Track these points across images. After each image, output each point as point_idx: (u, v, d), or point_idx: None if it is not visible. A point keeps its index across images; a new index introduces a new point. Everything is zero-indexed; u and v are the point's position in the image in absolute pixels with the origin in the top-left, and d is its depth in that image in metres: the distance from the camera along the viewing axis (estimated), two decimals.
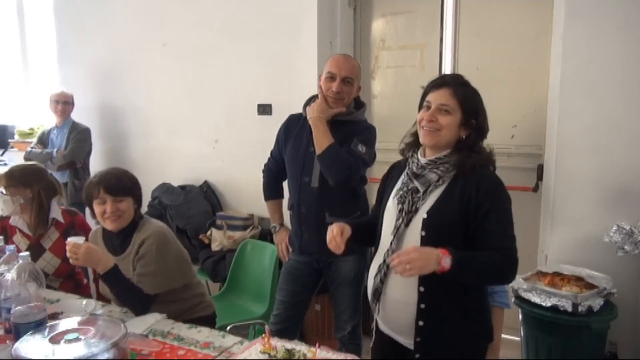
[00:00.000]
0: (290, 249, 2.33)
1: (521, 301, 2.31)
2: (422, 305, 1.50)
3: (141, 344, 1.61)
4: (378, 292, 1.58)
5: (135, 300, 1.83)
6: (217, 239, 3.20)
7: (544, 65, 2.74)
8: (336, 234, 1.59)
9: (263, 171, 2.43)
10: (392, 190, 1.64)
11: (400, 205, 1.56)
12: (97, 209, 1.91)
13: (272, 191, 2.42)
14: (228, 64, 3.44)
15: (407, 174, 1.60)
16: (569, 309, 2.15)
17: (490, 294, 1.83)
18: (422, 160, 1.57)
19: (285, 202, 2.41)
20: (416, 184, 1.55)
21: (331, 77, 2.12)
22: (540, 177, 2.81)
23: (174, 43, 3.68)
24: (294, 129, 2.25)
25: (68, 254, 1.76)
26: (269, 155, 2.41)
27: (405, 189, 1.58)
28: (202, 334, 1.68)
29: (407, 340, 1.57)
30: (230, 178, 3.54)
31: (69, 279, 2.29)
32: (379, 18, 3.25)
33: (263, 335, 1.39)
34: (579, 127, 2.49)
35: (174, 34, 3.66)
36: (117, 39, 3.94)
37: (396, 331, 1.60)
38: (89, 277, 2.45)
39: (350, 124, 2.18)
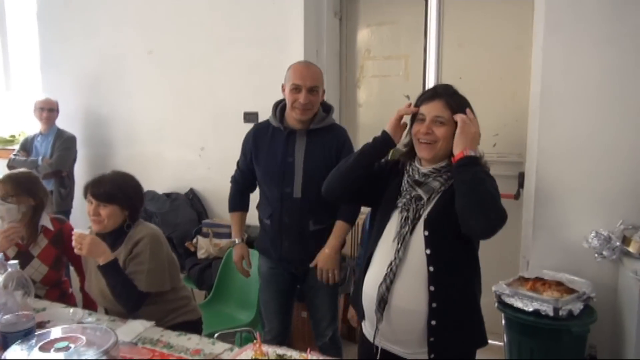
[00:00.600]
0: (258, 261, 2.35)
1: (504, 306, 2.36)
2: (434, 305, 1.50)
3: (131, 352, 1.61)
4: (384, 302, 1.55)
5: (130, 296, 1.87)
6: (203, 246, 3.20)
7: (524, 76, 2.82)
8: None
9: (231, 182, 2.41)
10: (391, 197, 1.63)
11: (405, 213, 1.57)
12: (87, 208, 1.96)
13: (237, 203, 2.38)
14: (214, 72, 3.46)
15: (408, 182, 1.61)
16: (551, 313, 2.20)
17: None
18: (424, 169, 1.58)
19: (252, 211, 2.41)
20: (419, 191, 1.57)
21: (296, 89, 2.10)
22: (521, 185, 2.88)
23: (160, 51, 3.68)
24: (265, 139, 2.22)
25: (73, 244, 1.84)
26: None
27: (408, 196, 1.58)
28: (192, 341, 1.69)
29: (412, 350, 1.56)
30: (216, 186, 3.54)
31: (55, 287, 2.27)
32: (364, 28, 3.31)
33: (254, 341, 1.40)
34: (559, 136, 2.57)
35: (160, 41, 3.67)
36: (102, 46, 3.93)
37: (398, 342, 1.58)
38: (71, 285, 2.44)
39: (325, 130, 2.20)
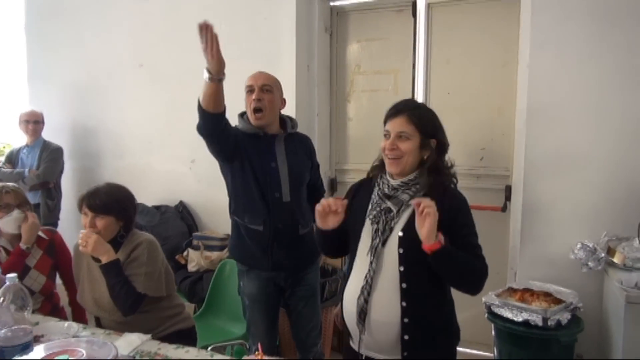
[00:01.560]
0: (240, 281, 2.33)
1: (494, 316, 2.40)
2: (406, 320, 1.56)
3: None
4: (364, 313, 1.60)
5: (128, 296, 1.89)
6: (194, 259, 3.20)
7: (510, 92, 2.91)
8: (339, 203, 1.63)
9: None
10: (363, 209, 1.68)
11: (375, 226, 1.62)
12: (83, 220, 1.98)
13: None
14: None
15: (379, 194, 1.66)
16: (540, 323, 2.25)
17: None
18: (394, 182, 1.64)
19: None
20: (389, 204, 1.61)
21: (250, 90, 2.20)
22: (508, 198, 2.95)
23: (151, 64, 3.70)
24: (246, 145, 2.19)
25: (80, 242, 1.92)
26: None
27: (378, 209, 1.63)
28: (190, 353, 1.69)
29: (393, 357, 1.61)
30: (207, 198, 3.54)
31: (47, 301, 2.26)
32: (354, 44, 3.38)
33: (257, 352, 1.41)
34: (544, 151, 2.64)
35: (152, 54, 3.69)
36: (91, 59, 3.93)
37: (381, 350, 1.63)
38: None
39: (296, 136, 2.32)
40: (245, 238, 2.23)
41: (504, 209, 2.97)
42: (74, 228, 3.62)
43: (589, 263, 2.44)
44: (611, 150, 2.53)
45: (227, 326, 2.78)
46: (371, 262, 1.60)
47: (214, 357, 1.67)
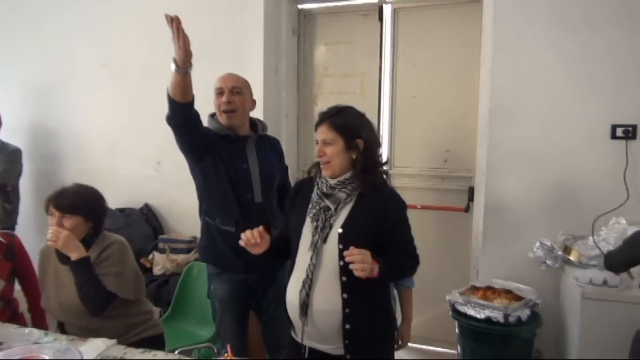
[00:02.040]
0: (210, 283, 2.31)
1: (458, 314, 2.47)
2: (347, 310, 1.65)
3: None
4: (305, 305, 1.69)
5: (97, 295, 1.85)
6: (160, 262, 3.15)
7: (474, 95, 2.99)
8: (256, 234, 1.74)
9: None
10: (304, 208, 1.78)
11: (315, 223, 1.72)
12: (50, 222, 1.93)
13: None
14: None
15: (318, 193, 1.76)
16: (501, 320, 2.33)
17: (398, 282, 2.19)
18: (331, 182, 1.74)
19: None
20: (327, 202, 1.72)
21: (220, 93, 2.20)
22: (471, 198, 3.04)
23: (115, 63, 3.62)
24: (217, 145, 2.17)
25: (50, 236, 1.86)
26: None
27: (317, 207, 1.73)
28: (158, 357, 1.67)
29: (335, 346, 1.70)
30: (173, 201, 3.50)
31: (6, 307, 2.18)
32: (322, 47, 3.41)
33: (225, 354, 1.41)
34: (505, 152, 2.74)
35: (115, 54, 3.61)
36: (52, 58, 3.82)
37: (324, 340, 1.71)
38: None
39: (266, 138, 2.34)
40: (217, 240, 2.21)
41: (467, 209, 3.05)
42: (32, 232, 3.52)
43: (547, 261, 2.54)
44: (568, 152, 2.64)
45: (195, 329, 2.75)
46: (312, 258, 1.69)
47: None
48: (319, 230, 1.70)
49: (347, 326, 1.66)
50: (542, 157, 2.68)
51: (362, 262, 1.56)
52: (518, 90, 2.69)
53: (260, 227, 1.77)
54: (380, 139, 1.81)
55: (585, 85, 2.60)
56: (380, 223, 1.68)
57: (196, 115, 2.10)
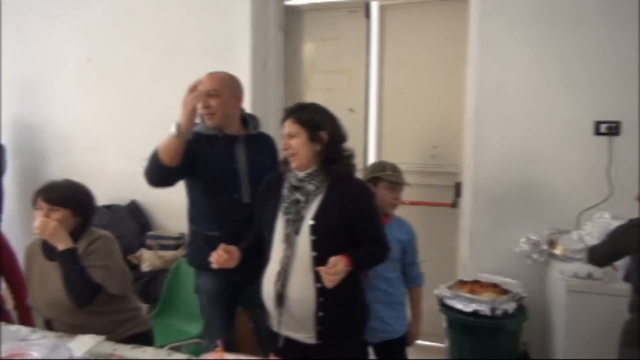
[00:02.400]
0: (196, 279, 2.30)
1: (446, 308, 2.49)
2: (321, 299, 1.72)
3: None
4: (281, 296, 1.75)
5: (84, 286, 1.82)
6: (147, 259, 3.13)
7: (460, 93, 3.02)
8: (221, 253, 1.78)
9: None
10: (275, 203, 1.83)
11: (287, 216, 1.78)
12: (36, 216, 1.90)
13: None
14: (159, 81, 3.40)
15: (288, 187, 1.83)
16: (488, 313, 2.36)
17: (408, 280, 2.33)
18: (300, 175, 1.80)
19: None
20: (297, 195, 1.79)
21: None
22: (458, 194, 3.07)
23: (101, 59, 3.58)
24: (203, 147, 2.16)
25: (37, 225, 1.84)
26: None
27: (288, 201, 1.80)
28: (148, 353, 1.67)
29: (309, 335, 1.76)
30: (160, 197, 3.43)
31: None
32: (309, 43, 3.41)
33: (217, 349, 1.41)
34: (492, 149, 2.77)
35: (101, 49, 3.57)
36: (36, 53, 3.76)
37: (299, 329, 1.77)
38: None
39: (258, 137, 2.31)
40: (202, 245, 2.18)
41: (454, 205, 3.08)
42: (17, 230, 3.46)
43: (533, 255, 2.58)
44: (553, 148, 2.68)
45: (184, 326, 2.74)
46: (285, 250, 1.76)
47: (172, 357, 1.65)
48: (291, 222, 1.77)
49: (321, 314, 1.73)
50: (528, 153, 2.72)
51: (334, 275, 1.62)
52: (504, 87, 2.73)
53: (222, 245, 1.79)
54: (346, 134, 1.86)
55: (569, 83, 2.64)
56: (350, 213, 1.75)
57: (178, 177, 2.13)
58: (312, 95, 3.41)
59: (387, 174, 2.27)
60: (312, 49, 3.40)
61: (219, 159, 2.16)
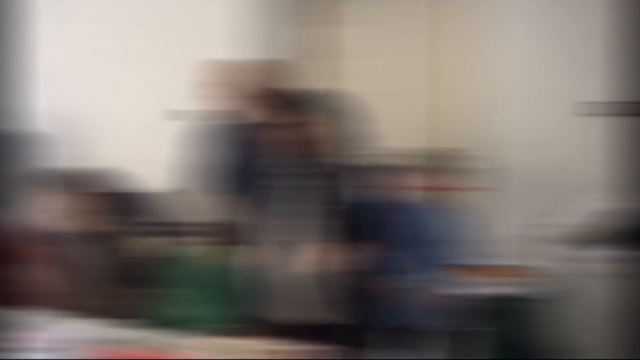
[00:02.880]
0: None
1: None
2: None
3: None
4: None
5: None
6: None
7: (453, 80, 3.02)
8: None
9: None
10: None
11: None
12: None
13: None
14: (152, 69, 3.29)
15: None
16: (501, 296, 2.36)
17: None
18: None
19: None
20: None
21: None
22: None
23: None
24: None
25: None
26: None
27: None
28: None
29: None
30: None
31: None
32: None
33: None
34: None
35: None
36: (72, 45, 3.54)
37: None
38: None
39: None
40: None
41: None
42: None
43: (527, 240, 2.58)
44: (541, 132, 2.71)
45: None
46: None
47: None
48: None
49: None
50: (518, 139, 2.73)
51: None
52: (495, 71, 2.75)
53: None
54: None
55: (557, 66, 2.67)
56: None
57: None
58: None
59: None
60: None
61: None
